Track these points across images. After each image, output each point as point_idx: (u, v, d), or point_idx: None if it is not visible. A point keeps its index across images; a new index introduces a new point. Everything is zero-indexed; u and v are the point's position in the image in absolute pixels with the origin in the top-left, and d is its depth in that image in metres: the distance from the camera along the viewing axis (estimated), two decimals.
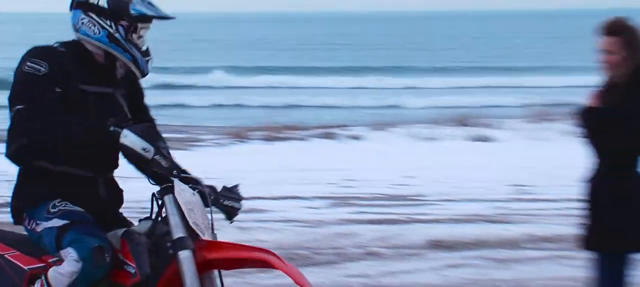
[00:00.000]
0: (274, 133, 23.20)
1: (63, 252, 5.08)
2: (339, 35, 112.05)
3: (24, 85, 5.08)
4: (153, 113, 5.72)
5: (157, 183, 5.30)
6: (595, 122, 6.37)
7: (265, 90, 48.82)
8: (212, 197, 5.42)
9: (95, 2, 5.21)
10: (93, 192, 5.32)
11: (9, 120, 5.19)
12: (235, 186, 5.67)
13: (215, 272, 5.28)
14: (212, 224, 5.31)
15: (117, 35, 5.19)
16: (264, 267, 5.75)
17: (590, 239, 6.51)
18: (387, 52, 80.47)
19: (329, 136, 22.99)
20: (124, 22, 5.20)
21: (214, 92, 47.78)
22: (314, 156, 20.34)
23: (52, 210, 5.20)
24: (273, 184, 16.63)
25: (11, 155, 5.22)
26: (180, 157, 18.99)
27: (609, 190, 6.36)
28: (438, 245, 11.49)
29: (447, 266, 10.50)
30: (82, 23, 5.23)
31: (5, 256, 5.29)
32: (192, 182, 5.40)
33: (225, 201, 5.54)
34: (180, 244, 5.09)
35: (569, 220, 12.96)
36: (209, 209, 5.33)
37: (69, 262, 5.01)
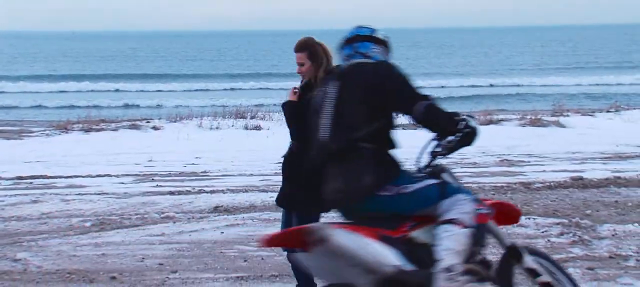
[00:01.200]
0: (91, 125, 22.83)
1: (451, 201, 5.30)
2: (144, 48, 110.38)
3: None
4: None
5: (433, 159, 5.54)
6: (293, 113, 6.59)
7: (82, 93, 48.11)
8: None
9: (383, 39, 5.76)
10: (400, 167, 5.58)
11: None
12: None
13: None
14: None
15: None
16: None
17: (285, 201, 6.79)
18: (180, 63, 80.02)
19: (135, 127, 22.75)
20: (391, 54, 5.81)
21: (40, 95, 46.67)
22: (123, 142, 20.12)
23: (417, 176, 5.46)
24: (90, 165, 16.41)
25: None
26: (15, 146, 18.34)
27: (302, 165, 6.43)
28: (219, 209, 11.57)
29: (227, 225, 10.55)
30: (375, 51, 5.69)
31: (381, 231, 5.18)
32: None
33: None
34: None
35: None
36: None
37: (468, 202, 5.30)
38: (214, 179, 14.70)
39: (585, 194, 12.29)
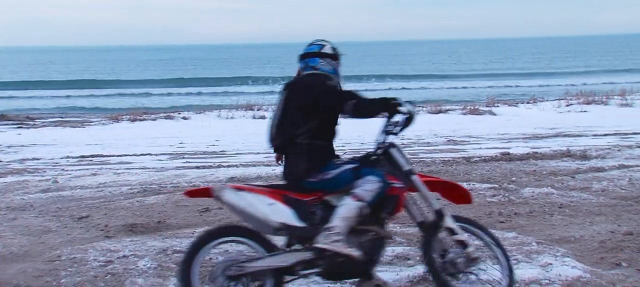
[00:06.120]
0: (136, 116, 22.78)
1: (362, 180, 5.23)
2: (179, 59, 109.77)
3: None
4: None
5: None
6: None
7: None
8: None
9: (331, 53, 5.58)
10: (332, 156, 5.49)
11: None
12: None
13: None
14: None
15: (338, 69, 5.64)
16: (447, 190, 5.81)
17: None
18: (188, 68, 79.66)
19: (169, 117, 22.71)
20: (340, 61, 5.63)
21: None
22: (160, 129, 20.09)
23: (337, 163, 5.40)
24: (135, 146, 16.39)
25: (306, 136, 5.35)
26: (79, 133, 18.21)
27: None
28: (234, 179, 11.55)
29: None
30: (322, 64, 5.54)
31: (288, 194, 5.25)
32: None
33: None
34: (411, 172, 5.42)
35: None
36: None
37: (372, 182, 5.21)
38: (229, 156, 14.69)
39: (511, 165, 12.34)
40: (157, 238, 7.88)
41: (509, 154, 13.71)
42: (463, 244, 5.41)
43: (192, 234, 8.07)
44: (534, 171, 11.73)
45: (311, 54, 5.59)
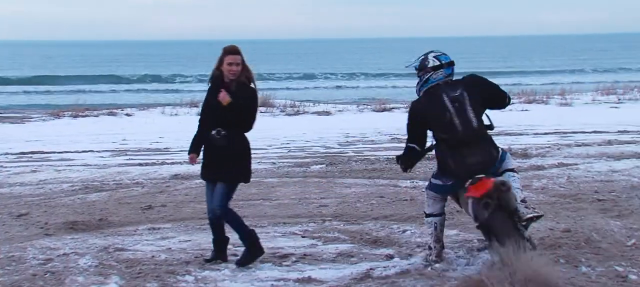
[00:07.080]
0: (78, 112, 22.42)
1: (506, 157, 6.35)
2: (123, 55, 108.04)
3: None
4: None
5: None
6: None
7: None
8: None
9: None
10: None
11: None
12: None
13: None
14: None
15: None
16: None
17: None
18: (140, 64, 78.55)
19: (112, 114, 22.39)
20: None
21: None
22: (103, 126, 19.80)
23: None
24: (77, 143, 16.13)
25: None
26: (19, 129, 17.89)
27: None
28: (178, 177, 11.48)
29: (184, 188, 10.50)
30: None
31: None
32: None
33: None
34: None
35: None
36: None
37: (511, 159, 6.36)
38: (173, 153, 14.54)
39: None
40: (98, 236, 7.78)
41: None
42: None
43: (134, 231, 8.00)
44: None
45: (451, 63, 6.38)
